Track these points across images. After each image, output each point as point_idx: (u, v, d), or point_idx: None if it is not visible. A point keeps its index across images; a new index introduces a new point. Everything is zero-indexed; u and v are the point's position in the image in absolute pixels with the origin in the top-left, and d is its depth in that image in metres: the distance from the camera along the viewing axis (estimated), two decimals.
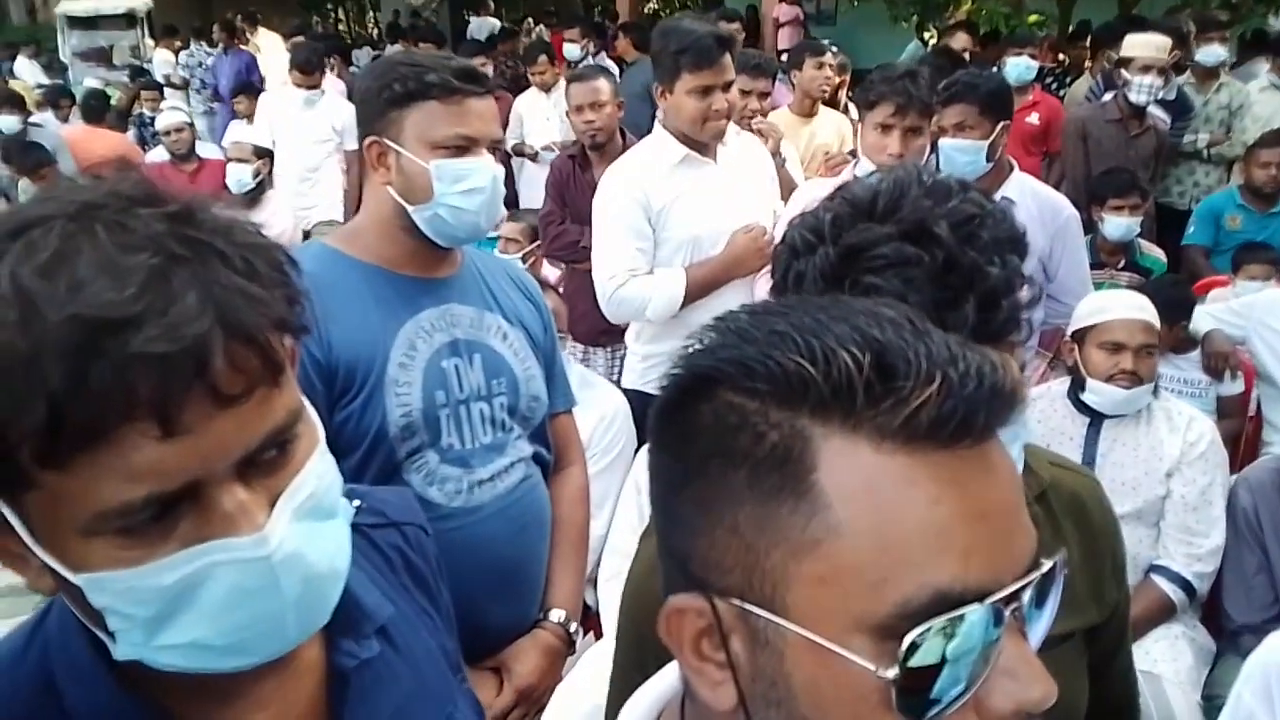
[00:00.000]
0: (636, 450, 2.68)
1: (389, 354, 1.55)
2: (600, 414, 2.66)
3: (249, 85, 7.96)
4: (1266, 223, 4.68)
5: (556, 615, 1.73)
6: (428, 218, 1.57)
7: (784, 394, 0.52)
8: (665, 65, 2.56)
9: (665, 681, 0.70)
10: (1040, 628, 0.56)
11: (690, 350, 0.57)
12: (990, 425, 0.52)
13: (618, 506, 2.55)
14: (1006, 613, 0.51)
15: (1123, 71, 4.70)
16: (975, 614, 0.49)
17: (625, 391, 2.87)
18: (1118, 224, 4.02)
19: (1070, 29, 8.20)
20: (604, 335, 3.41)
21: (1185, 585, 2.40)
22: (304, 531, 0.69)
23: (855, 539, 0.50)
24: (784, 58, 6.25)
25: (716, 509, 0.54)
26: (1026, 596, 0.52)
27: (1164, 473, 2.44)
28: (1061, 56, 7.53)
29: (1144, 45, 4.61)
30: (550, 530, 1.77)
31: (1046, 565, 0.54)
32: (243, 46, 9.98)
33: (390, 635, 0.87)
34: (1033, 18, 8.00)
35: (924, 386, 0.50)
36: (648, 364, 2.86)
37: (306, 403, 0.72)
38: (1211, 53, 5.30)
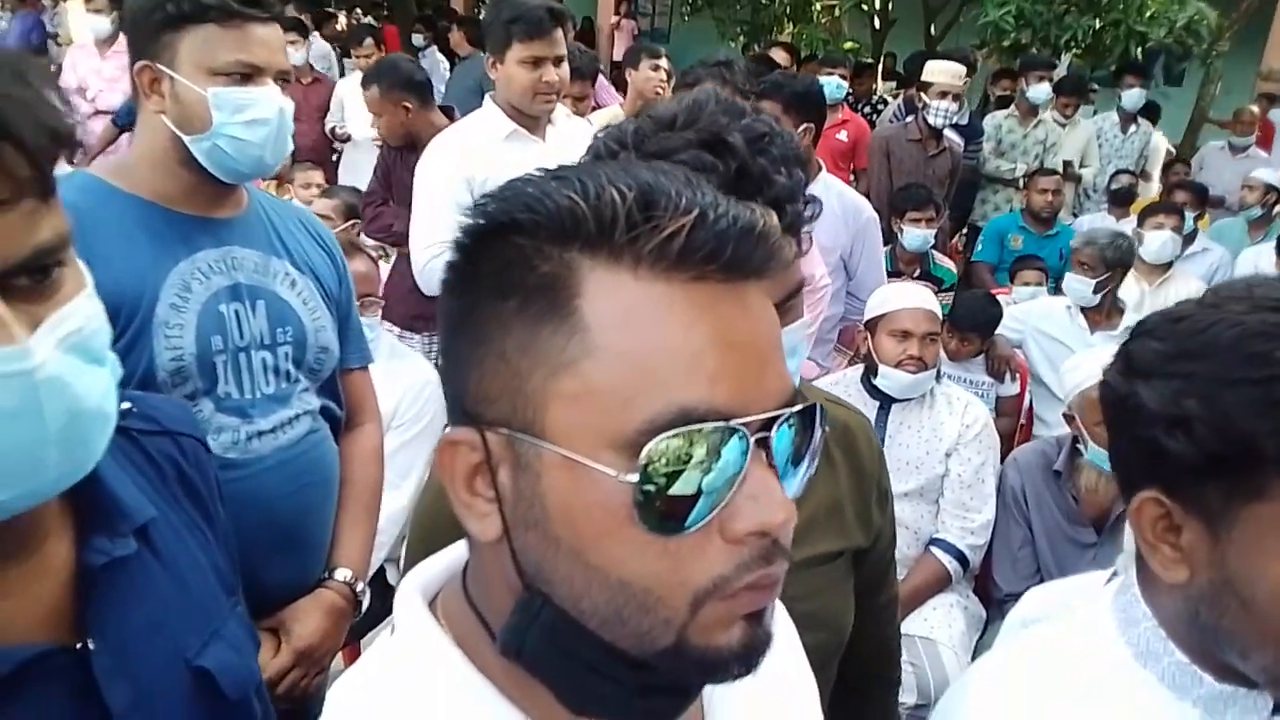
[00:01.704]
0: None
1: (159, 293, 1.44)
2: (407, 384, 2.60)
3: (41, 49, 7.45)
4: (1044, 243, 5.15)
5: (342, 574, 1.65)
6: (206, 149, 1.47)
7: (557, 229, 0.54)
8: (497, 35, 2.54)
9: (450, 555, 0.69)
10: (796, 483, 0.58)
11: (482, 201, 0.58)
12: (742, 261, 0.54)
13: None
14: (752, 440, 0.53)
15: (922, 95, 5.04)
16: (717, 433, 0.51)
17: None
18: (915, 235, 4.30)
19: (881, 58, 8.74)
20: (419, 320, 3.33)
21: (960, 557, 2.57)
22: (70, 365, 0.66)
23: (609, 359, 0.52)
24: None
25: (488, 339, 0.56)
26: (776, 433, 0.54)
27: (944, 452, 2.61)
28: (876, 86, 8.03)
29: (942, 72, 4.97)
30: (339, 488, 1.70)
31: (801, 405, 0.57)
32: (32, 7, 9.27)
33: (152, 540, 0.82)
34: (848, 44, 8.48)
35: (680, 217, 0.53)
36: None
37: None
38: (1041, 91, 5.79)
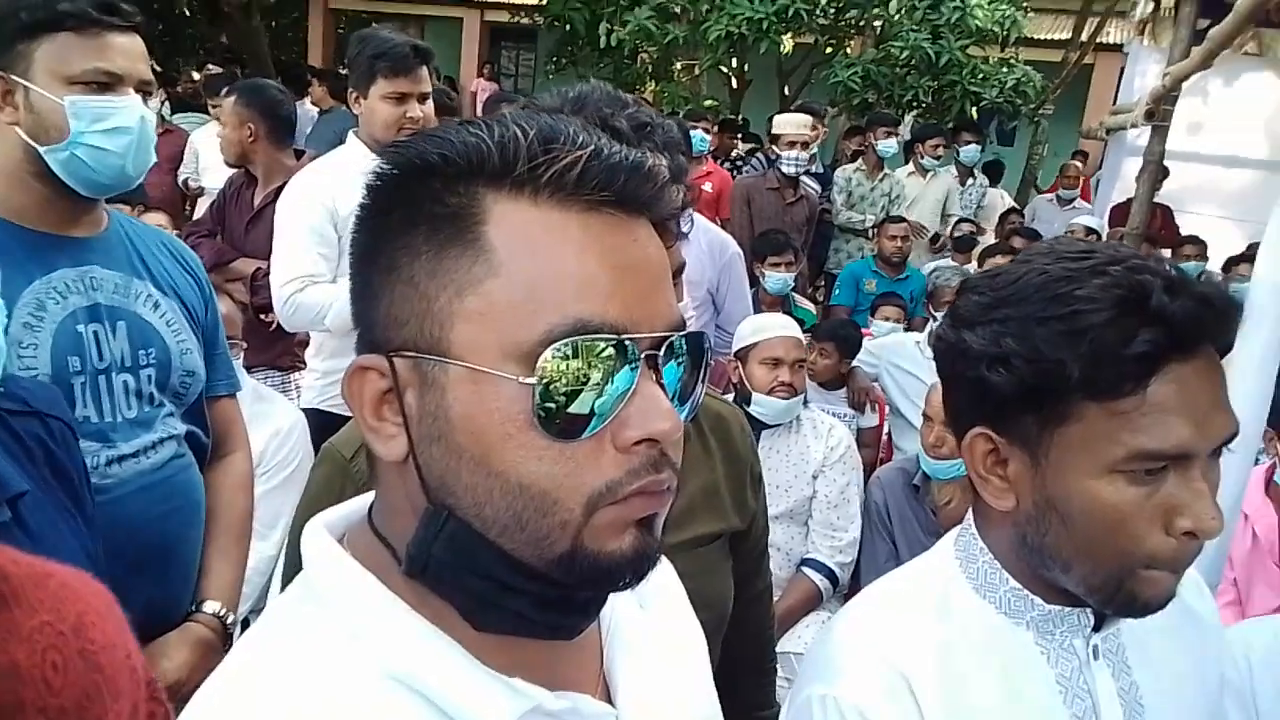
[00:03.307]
0: None
1: (10, 311, 1.38)
2: (275, 428, 2.51)
3: None
4: (895, 287, 5.44)
5: (211, 607, 1.59)
6: (63, 160, 1.43)
7: (465, 166, 0.58)
8: (361, 70, 2.53)
9: (353, 503, 0.70)
10: (682, 416, 0.61)
11: (394, 147, 0.62)
12: (633, 194, 0.59)
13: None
14: (642, 356, 0.57)
15: (774, 147, 5.30)
16: (611, 343, 0.56)
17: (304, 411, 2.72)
18: (776, 279, 4.47)
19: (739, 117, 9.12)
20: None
21: (830, 575, 2.67)
22: None
23: (511, 278, 0.57)
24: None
25: (398, 266, 0.59)
26: (665, 363, 0.59)
27: (811, 475, 2.72)
28: (736, 143, 8.37)
29: (790, 124, 5.27)
30: (207, 519, 1.64)
31: (689, 331, 0.62)
32: None
33: (24, 518, 0.78)
34: (708, 102, 8.82)
35: (576, 151, 0.57)
36: (327, 380, 2.72)
37: None
38: (888, 146, 6.14)
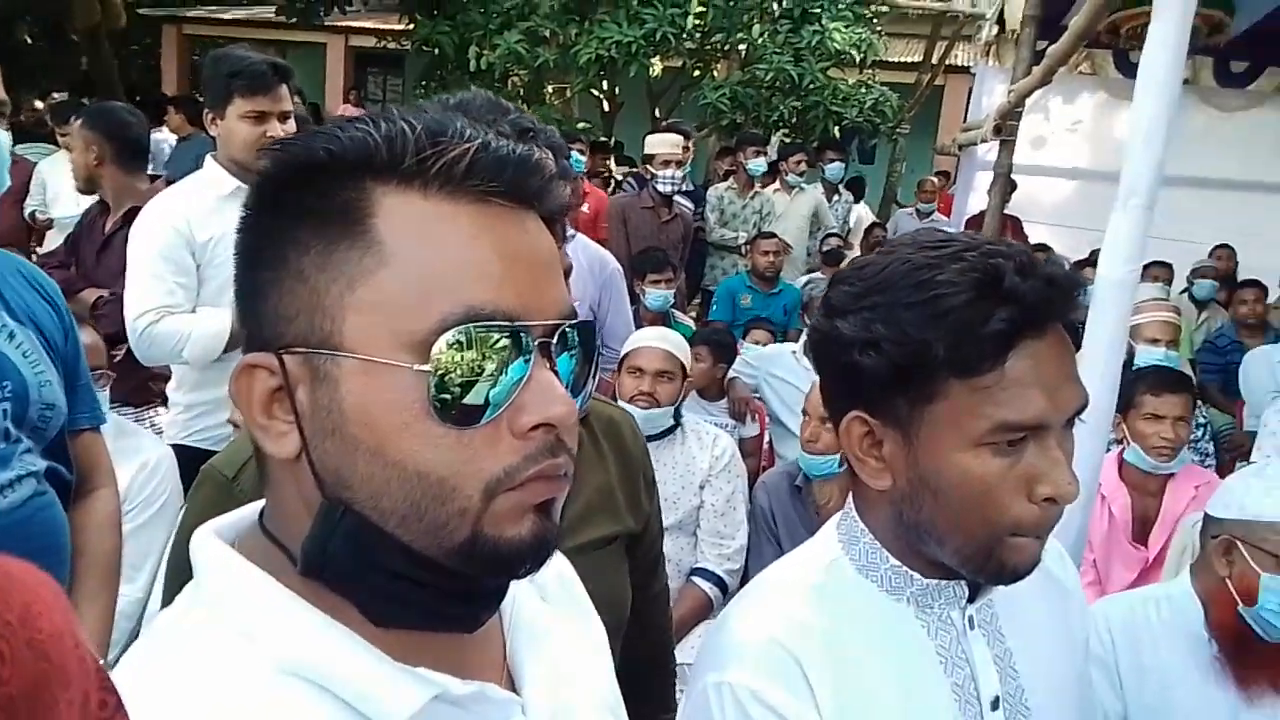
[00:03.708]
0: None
1: None
2: (141, 463, 2.39)
3: None
4: (769, 300, 5.59)
5: None
6: None
7: (352, 161, 0.58)
8: (216, 90, 2.44)
9: (241, 510, 0.69)
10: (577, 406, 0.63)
11: (278, 146, 0.61)
12: (521, 186, 0.60)
13: None
14: (535, 344, 0.58)
15: (648, 167, 5.39)
16: (505, 332, 0.57)
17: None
18: (656, 295, 4.54)
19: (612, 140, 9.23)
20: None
21: (719, 583, 2.71)
22: None
23: (402, 268, 0.57)
24: None
25: (286, 261, 0.59)
26: (558, 355, 0.60)
27: (698, 485, 2.76)
28: (610, 165, 8.46)
29: (662, 144, 5.38)
30: (72, 559, 1.55)
31: (581, 320, 0.63)
32: None
33: None
34: (581, 125, 8.90)
35: (463, 144, 0.58)
36: (191, 414, 2.58)
37: None
38: (758, 164, 6.30)
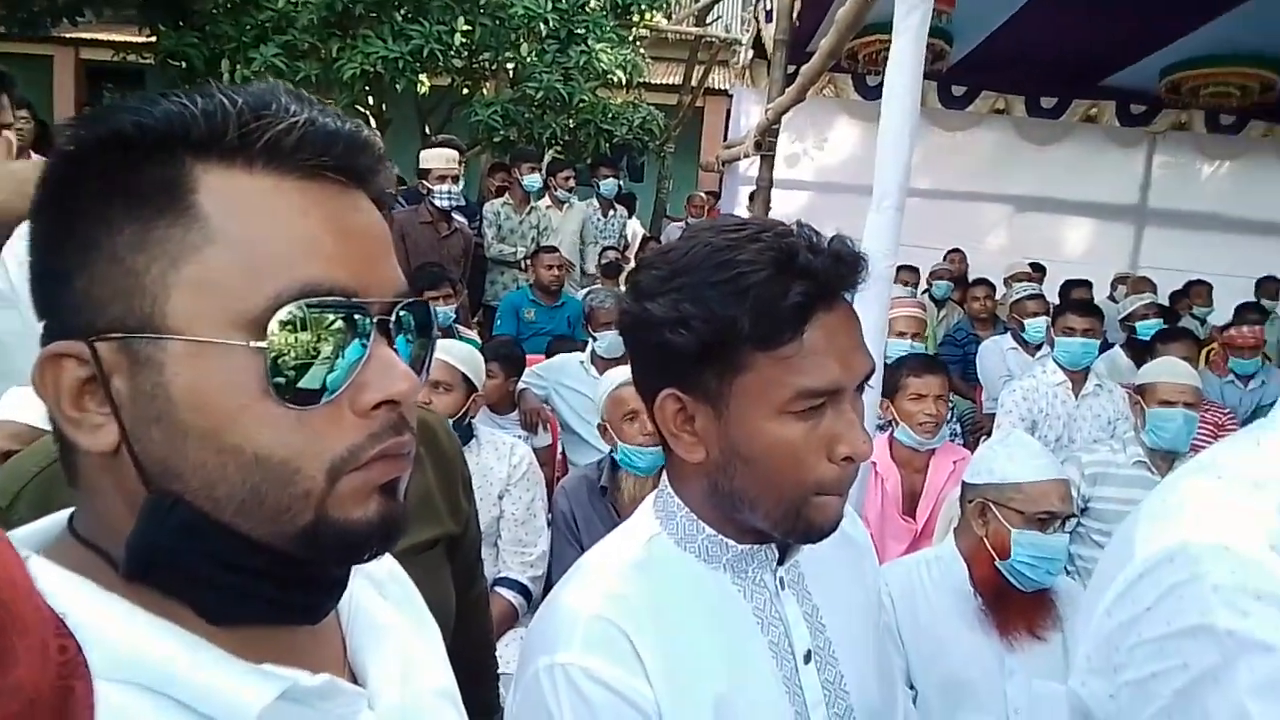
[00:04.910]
0: None
1: None
2: None
3: None
4: (553, 313, 5.65)
5: None
6: None
7: (165, 134, 0.55)
8: None
9: (46, 520, 0.63)
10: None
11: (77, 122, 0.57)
12: (351, 162, 0.59)
13: None
14: (374, 322, 0.57)
15: (424, 182, 5.32)
16: (343, 309, 0.56)
17: None
18: (437, 312, 4.47)
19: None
20: None
21: (523, 590, 2.71)
22: None
23: (231, 244, 0.55)
24: None
25: (96, 244, 0.55)
26: (395, 322, 0.60)
27: (497, 495, 2.75)
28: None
29: (437, 158, 5.32)
30: None
31: (418, 299, 0.62)
32: None
33: None
34: None
35: (289, 119, 0.56)
36: None
37: None
38: (534, 180, 6.31)
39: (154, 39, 8.26)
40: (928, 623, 2.03)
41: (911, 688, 2.00)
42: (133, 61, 9.34)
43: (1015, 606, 2.01)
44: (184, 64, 7.88)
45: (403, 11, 7.59)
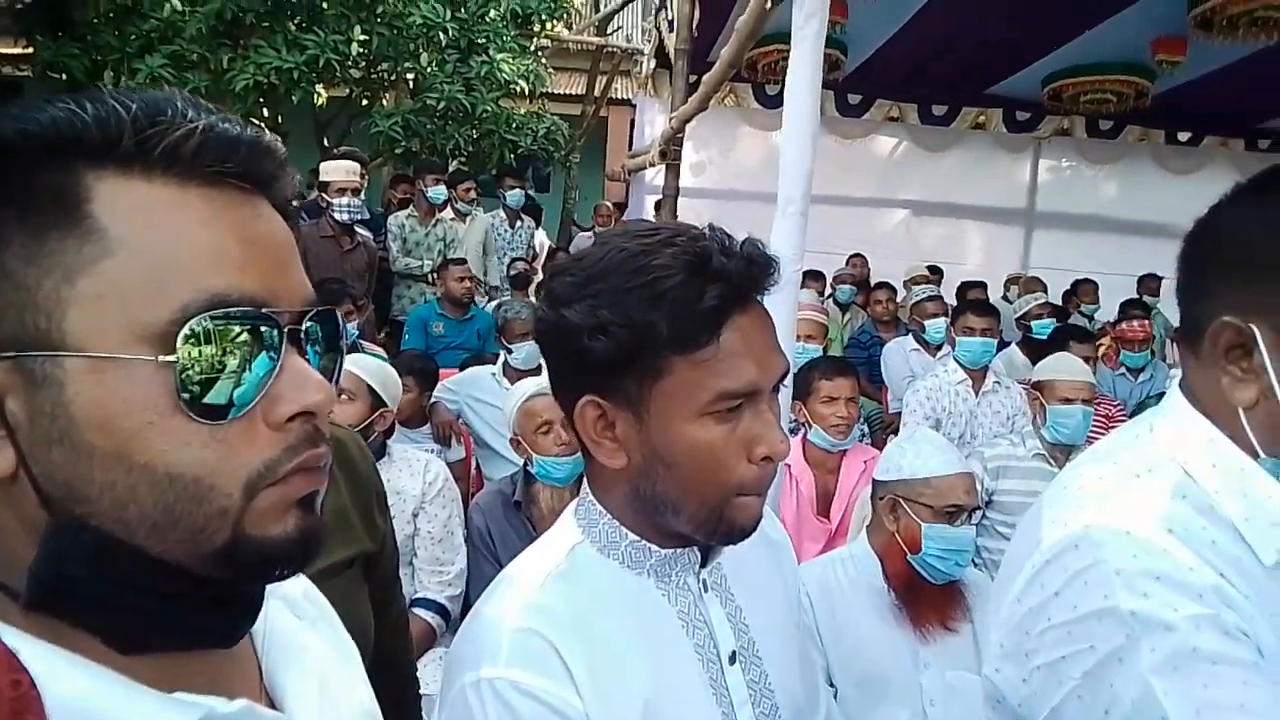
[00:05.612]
0: None
1: None
2: None
3: None
4: (463, 327, 5.58)
5: None
6: None
7: (54, 141, 0.52)
8: None
9: None
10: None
11: None
12: (254, 168, 0.58)
13: None
14: (285, 331, 0.56)
15: (323, 195, 5.21)
16: (251, 320, 0.54)
17: None
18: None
19: None
20: None
21: (441, 610, 2.66)
22: None
23: (131, 256, 0.52)
24: None
25: None
26: (307, 329, 0.58)
27: (411, 513, 2.69)
28: None
29: (337, 170, 5.21)
30: None
31: (326, 308, 0.61)
32: None
33: None
34: None
35: (187, 125, 0.54)
36: None
37: None
38: (438, 192, 6.22)
39: (31, 50, 7.88)
40: (845, 620, 2.07)
41: (831, 685, 2.03)
42: (8, 74, 8.91)
43: (927, 599, 2.06)
44: (64, 76, 7.54)
45: (296, 21, 7.42)
